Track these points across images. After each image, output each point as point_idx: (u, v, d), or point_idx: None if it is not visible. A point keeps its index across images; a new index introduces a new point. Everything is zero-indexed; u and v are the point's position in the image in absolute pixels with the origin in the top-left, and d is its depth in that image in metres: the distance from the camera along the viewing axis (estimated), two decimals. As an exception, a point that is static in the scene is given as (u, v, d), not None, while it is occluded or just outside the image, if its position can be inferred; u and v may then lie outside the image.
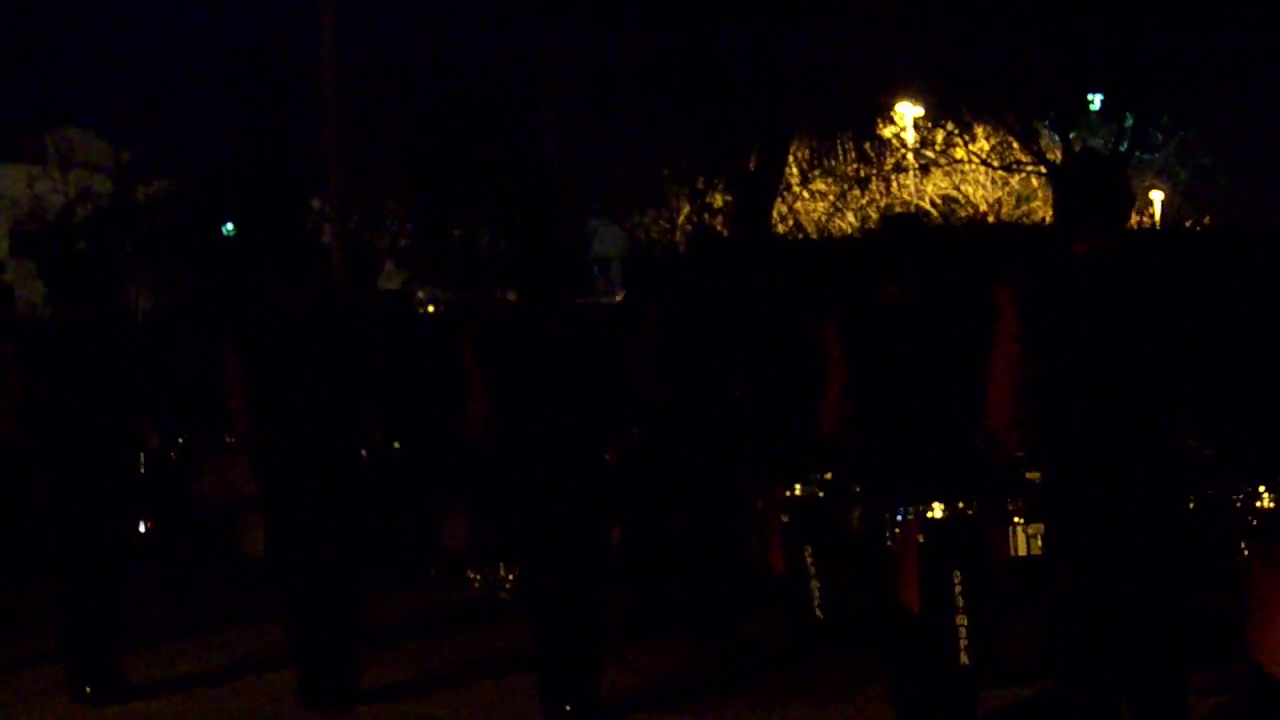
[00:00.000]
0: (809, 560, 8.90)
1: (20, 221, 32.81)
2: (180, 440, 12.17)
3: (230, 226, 28.55)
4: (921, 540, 7.28)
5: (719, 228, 24.28)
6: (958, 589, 7.28)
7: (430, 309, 24.14)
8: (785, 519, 9.10)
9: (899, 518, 7.33)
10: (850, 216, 27.96)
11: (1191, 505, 7.06)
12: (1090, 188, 6.26)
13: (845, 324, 7.51)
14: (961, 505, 7.34)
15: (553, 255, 8.21)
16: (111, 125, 31.13)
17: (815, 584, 8.88)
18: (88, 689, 8.76)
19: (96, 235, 28.55)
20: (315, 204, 26.05)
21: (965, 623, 7.31)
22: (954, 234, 19.59)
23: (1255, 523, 7.31)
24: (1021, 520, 8.00)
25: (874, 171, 27.83)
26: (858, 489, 8.23)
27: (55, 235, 29.90)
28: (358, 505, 8.63)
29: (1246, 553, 7.02)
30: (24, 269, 36.71)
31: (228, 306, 19.87)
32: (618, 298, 10.26)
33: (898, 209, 27.43)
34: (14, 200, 30.69)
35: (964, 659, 7.32)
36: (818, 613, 8.92)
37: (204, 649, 10.09)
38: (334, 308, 8.73)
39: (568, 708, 7.93)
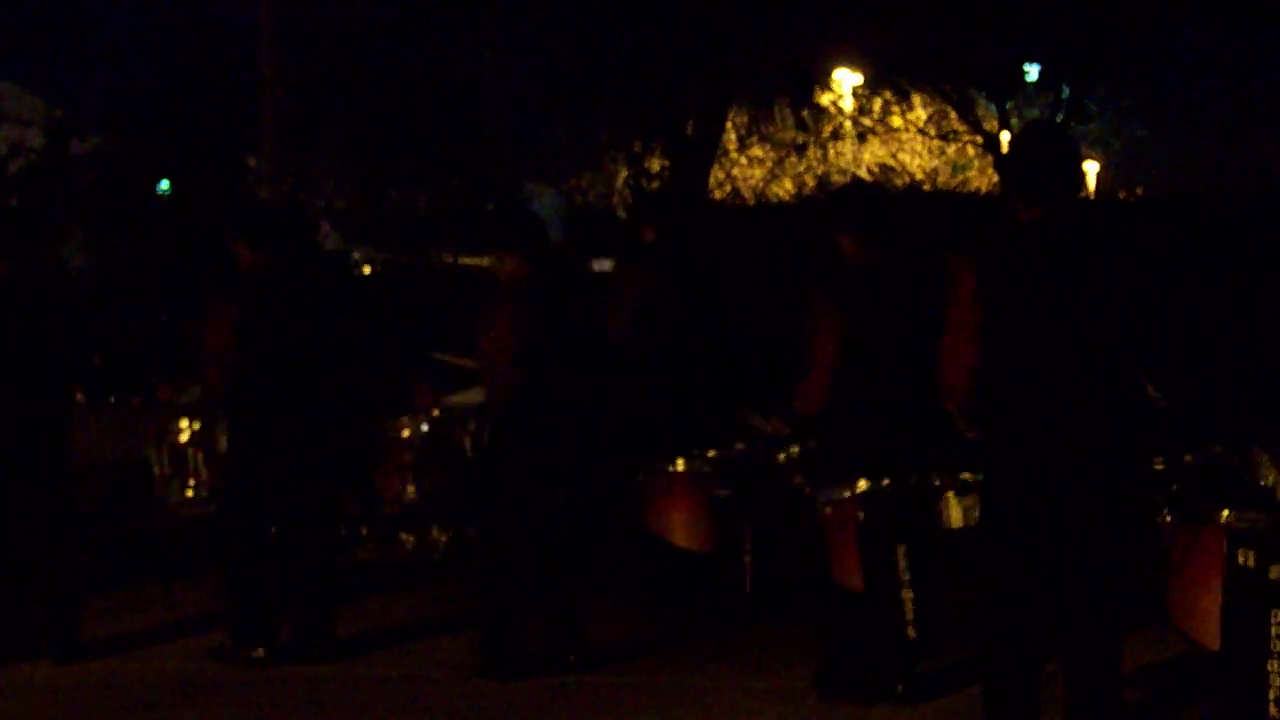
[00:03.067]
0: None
1: (-49, 176, 32.44)
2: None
3: (165, 184, 28.31)
4: (862, 516, 7.33)
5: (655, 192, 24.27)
6: (903, 564, 7.32)
7: (367, 270, 24.05)
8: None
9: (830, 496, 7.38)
10: (787, 183, 27.99)
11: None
12: (1040, 158, 6.31)
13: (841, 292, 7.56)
14: (908, 479, 7.38)
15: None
16: (44, 80, 30.87)
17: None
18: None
19: (28, 191, 28.28)
20: (251, 163, 25.86)
21: (911, 597, 7.35)
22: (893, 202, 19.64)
23: (1177, 489, 7.40)
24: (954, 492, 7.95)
25: (811, 139, 27.87)
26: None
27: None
28: (324, 463, 8.71)
29: (1169, 519, 7.08)
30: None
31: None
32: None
33: (834, 177, 27.49)
34: (-55, 154, 30.27)
35: (910, 633, 7.37)
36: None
37: (154, 606, 10.12)
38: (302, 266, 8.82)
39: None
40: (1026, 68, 26.51)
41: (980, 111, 26.75)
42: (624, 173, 26.70)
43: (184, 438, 9.21)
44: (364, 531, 11.62)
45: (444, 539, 11.06)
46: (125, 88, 28.18)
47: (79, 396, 10.89)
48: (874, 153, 29.16)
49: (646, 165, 25.59)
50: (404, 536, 11.28)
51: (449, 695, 8.13)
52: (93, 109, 28.54)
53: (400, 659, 8.89)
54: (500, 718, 7.77)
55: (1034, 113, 26.17)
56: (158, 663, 8.91)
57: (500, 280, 8.43)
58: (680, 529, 9.19)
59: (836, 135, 28.37)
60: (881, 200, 7.95)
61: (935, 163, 29.76)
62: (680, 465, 8.95)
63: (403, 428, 8.25)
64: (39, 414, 8.83)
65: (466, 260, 25.65)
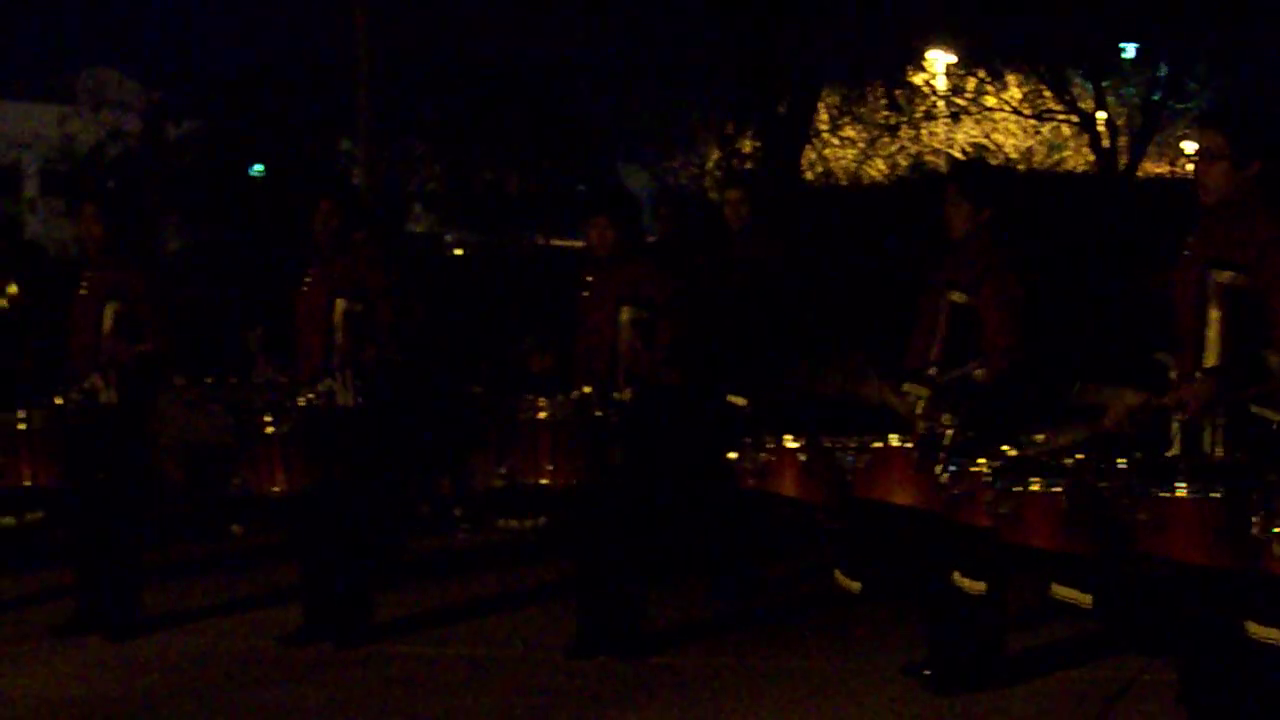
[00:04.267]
0: None
1: (51, 161, 32.77)
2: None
3: (259, 167, 28.49)
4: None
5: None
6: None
7: (458, 252, 24.14)
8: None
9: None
10: (880, 164, 27.83)
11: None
12: None
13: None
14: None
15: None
16: (142, 65, 31.08)
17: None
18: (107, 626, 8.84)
19: (126, 174, 28.52)
20: (344, 146, 25.99)
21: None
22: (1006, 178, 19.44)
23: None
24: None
25: (904, 119, 27.69)
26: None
27: (85, 174, 29.92)
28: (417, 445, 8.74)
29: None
30: (53, 207, 36.79)
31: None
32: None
33: (927, 157, 27.32)
34: (45, 139, 30.62)
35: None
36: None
37: (222, 585, 10.18)
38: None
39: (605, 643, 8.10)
40: (1124, 46, 26.20)
41: (1076, 90, 26.48)
42: (716, 154, 26.63)
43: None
44: (458, 512, 11.64)
45: (539, 520, 11.05)
46: (221, 72, 28.32)
47: (178, 379, 11.00)
48: (967, 133, 28.94)
49: (738, 146, 25.50)
50: (501, 522, 11.29)
51: (540, 675, 8.11)
52: (189, 94, 28.62)
53: (492, 638, 8.88)
54: (593, 698, 7.73)
55: (1131, 91, 25.89)
56: (247, 640, 8.95)
57: (590, 250, 8.43)
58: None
59: (929, 115, 28.17)
60: (996, 174, 7.88)
61: (1030, 142, 29.50)
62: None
63: (540, 409, 8.15)
64: (125, 394, 8.89)
65: (558, 242, 25.71)
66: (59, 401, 8.96)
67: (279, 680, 8.15)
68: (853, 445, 7.67)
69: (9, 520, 9.56)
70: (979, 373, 7.31)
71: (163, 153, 28.93)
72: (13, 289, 10.75)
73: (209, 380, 11.89)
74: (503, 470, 8.42)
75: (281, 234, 21.95)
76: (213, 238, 26.98)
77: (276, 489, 8.57)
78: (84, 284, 9.04)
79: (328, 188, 9.09)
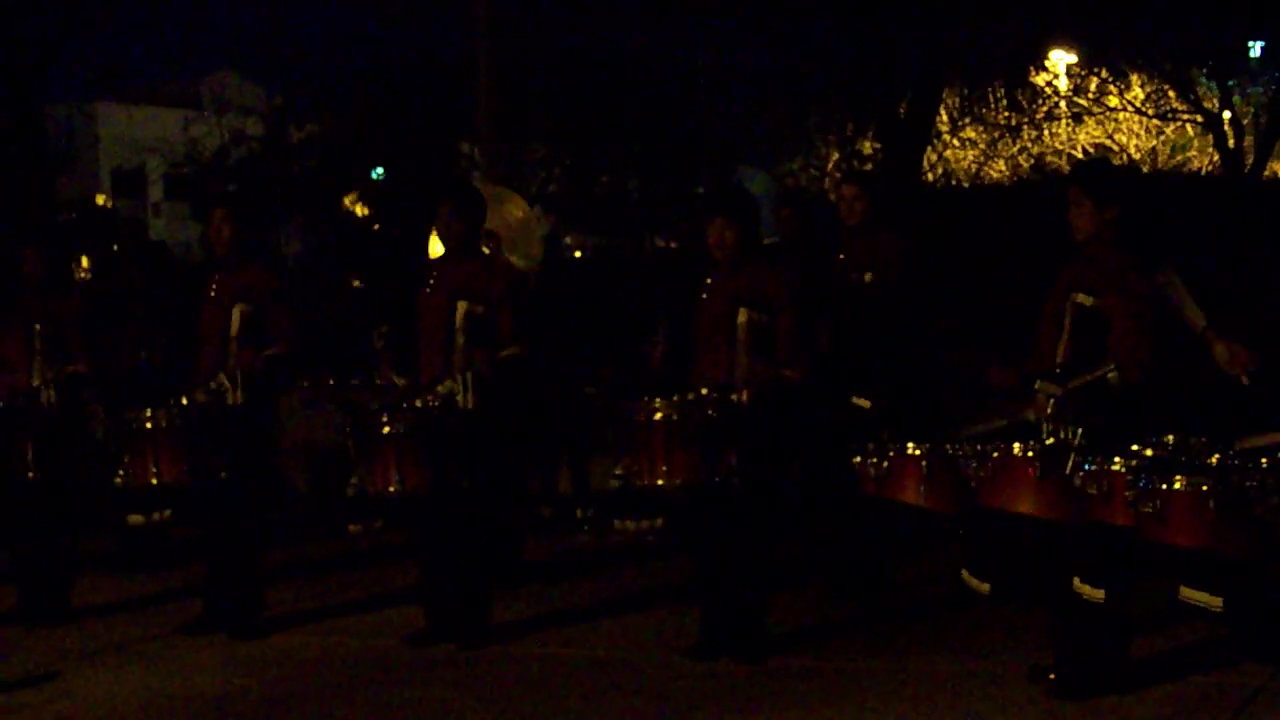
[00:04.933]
0: None
1: (175, 165, 33.20)
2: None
3: (380, 170, 28.70)
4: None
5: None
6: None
7: (577, 254, 24.22)
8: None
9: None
10: (1001, 165, 27.62)
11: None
12: None
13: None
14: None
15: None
16: (264, 69, 31.40)
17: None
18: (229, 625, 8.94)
19: (248, 178, 28.82)
20: (464, 148, 26.13)
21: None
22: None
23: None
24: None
25: (1025, 120, 27.45)
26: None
27: (208, 178, 30.28)
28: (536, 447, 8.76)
29: None
30: (177, 211, 37.30)
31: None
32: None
33: (1049, 158, 27.08)
34: (169, 143, 31.03)
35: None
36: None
37: (342, 585, 10.26)
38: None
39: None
40: (1250, 44, 25.84)
41: (1201, 90, 26.12)
42: (836, 156, 26.53)
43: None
44: (579, 514, 11.67)
45: (656, 522, 11.05)
46: (342, 76, 28.52)
47: (305, 382, 11.10)
48: (1090, 133, 28.66)
49: (858, 147, 25.40)
50: (619, 523, 11.30)
51: (660, 677, 8.11)
52: (310, 97, 28.88)
53: (613, 640, 8.89)
54: (714, 701, 7.73)
55: (1257, 90, 25.53)
56: (368, 640, 9.02)
57: (710, 251, 8.42)
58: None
59: (1051, 116, 27.92)
60: (1119, 174, 7.82)
61: (1153, 143, 29.17)
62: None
63: (656, 410, 8.15)
64: (251, 395, 8.98)
65: (677, 244, 25.72)
66: (186, 401, 9.08)
67: (399, 681, 8.20)
68: (975, 452, 7.62)
69: (137, 518, 9.67)
70: (1112, 375, 7.23)
71: (284, 156, 29.21)
72: (85, 262, 10.92)
73: (331, 382, 12.00)
74: (619, 471, 8.42)
75: (402, 237, 22.11)
76: (334, 240, 27.24)
77: (393, 489, 8.62)
78: (212, 286, 9.15)
79: (448, 190, 9.13)
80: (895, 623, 9.01)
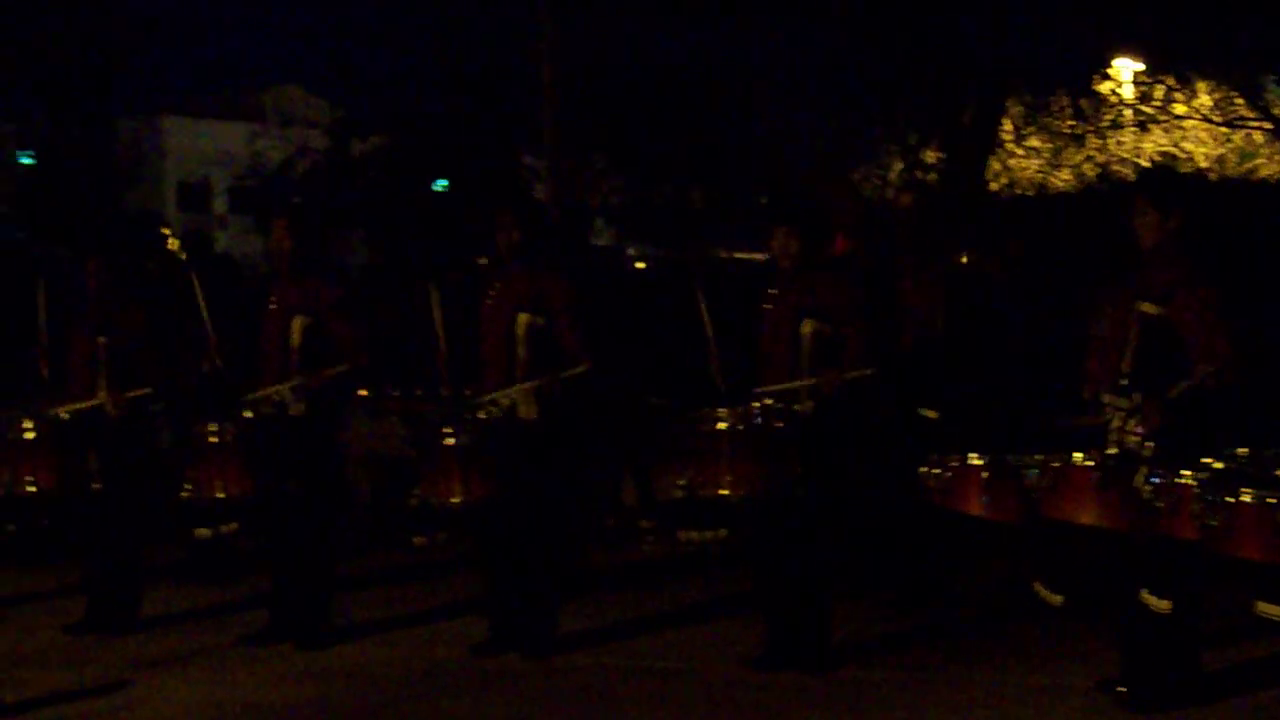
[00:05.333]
0: None
1: (240, 177, 33.40)
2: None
3: (443, 182, 28.78)
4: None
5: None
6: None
7: (640, 265, 24.20)
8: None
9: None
10: (1066, 174, 27.46)
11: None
12: None
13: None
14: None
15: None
16: (328, 82, 31.54)
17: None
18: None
19: (312, 190, 28.96)
20: (527, 160, 26.17)
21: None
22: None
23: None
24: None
25: (1090, 128, 27.29)
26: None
27: (272, 190, 30.45)
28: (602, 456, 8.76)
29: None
30: (242, 223, 37.51)
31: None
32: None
33: (1114, 167, 26.91)
34: (234, 157, 31.24)
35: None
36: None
37: (407, 596, 10.27)
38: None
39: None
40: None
41: (1269, 96, 25.90)
42: (899, 165, 26.44)
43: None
44: (644, 524, 11.65)
45: (720, 533, 11.03)
46: (405, 88, 28.62)
47: (363, 391, 11.12)
48: (1156, 141, 28.44)
49: (922, 157, 25.31)
50: (683, 534, 11.28)
51: (724, 687, 8.10)
52: (373, 110, 29.01)
53: (677, 651, 8.88)
54: (776, 711, 7.71)
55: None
56: (433, 650, 9.03)
57: (775, 260, 8.42)
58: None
59: (1116, 124, 27.72)
60: (1184, 182, 7.77)
61: (1221, 150, 28.94)
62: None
63: (719, 420, 8.15)
64: (314, 406, 9.02)
65: (741, 255, 25.65)
66: (249, 414, 9.12)
67: (461, 691, 8.21)
68: (1036, 463, 7.59)
69: (204, 532, 9.73)
70: (1208, 379, 7.12)
71: (348, 168, 29.34)
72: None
73: (395, 394, 12.02)
74: (683, 482, 8.42)
75: (466, 248, 22.15)
76: (397, 252, 27.31)
77: (456, 500, 8.63)
78: (274, 298, 9.18)
79: (508, 201, 9.16)
80: (960, 634, 8.97)
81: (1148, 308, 7.40)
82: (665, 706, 7.87)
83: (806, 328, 8.25)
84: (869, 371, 8.19)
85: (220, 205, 41.19)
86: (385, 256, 26.92)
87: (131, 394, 9.41)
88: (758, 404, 8.14)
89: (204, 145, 36.80)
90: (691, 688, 8.17)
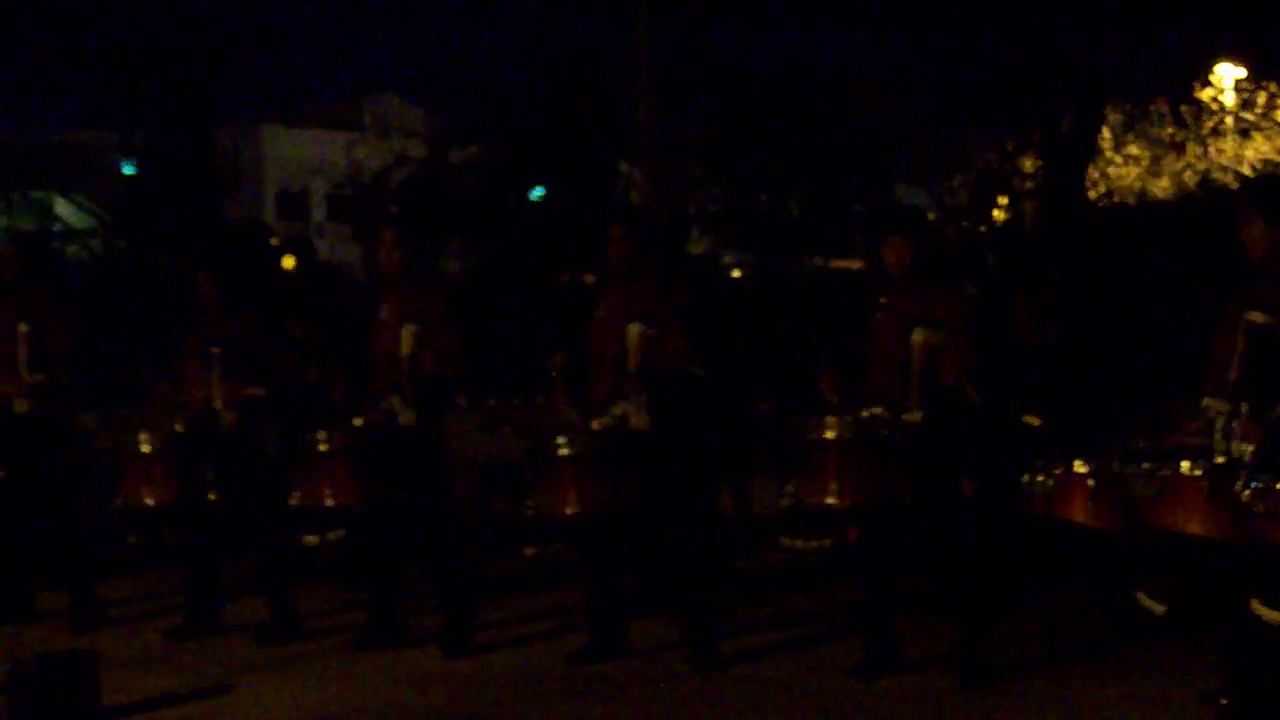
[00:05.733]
0: None
1: (338, 186, 33.69)
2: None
3: (540, 191, 28.92)
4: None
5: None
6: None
7: (736, 274, 24.22)
8: None
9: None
10: (1165, 182, 27.28)
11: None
12: None
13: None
14: None
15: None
16: (426, 92, 31.78)
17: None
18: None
19: (410, 199, 29.17)
20: (624, 168, 26.26)
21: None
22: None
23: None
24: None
25: (1190, 136, 27.10)
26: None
27: (370, 199, 30.69)
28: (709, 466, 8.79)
29: None
30: (340, 232, 37.82)
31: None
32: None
33: (1215, 175, 26.70)
34: (332, 165, 31.51)
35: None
36: None
37: (514, 604, 10.34)
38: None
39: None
40: None
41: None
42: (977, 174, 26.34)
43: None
44: (749, 534, 11.65)
45: (825, 542, 11.02)
46: (502, 97, 28.79)
47: (460, 399, 11.20)
48: (1258, 149, 28.21)
49: (1019, 165, 25.21)
50: (786, 541, 11.28)
51: (821, 695, 8.13)
52: (471, 119, 29.18)
53: (776, 658, 8.91)
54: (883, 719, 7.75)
55: None
56: (537, 658, 9.10)
57: (885, 269, 8.42)
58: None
59: (1217, 132, 27.54)
60: None
61: (1323, 157, 28.67)
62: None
63: (827, 428, 8.17)
64: (422, 415, 9.11)
65: (838, 263, 25.66)
66: (358, 422, 9.23)
67: (561, 699, 8.28)
68: (1142, 471, 7.55)
69: (313, 539, 9.84)
70: None
71: (445, 177, 29.53)
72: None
73: (492, 404, 12.09)
74: (789, 490, 8.44)
75: (564, 257, 22.26)
76: (494, 261, 27.46)
77: (569, 511, 8.70)
78: (382, 307, 9.27)
79: (620, 213, 9.26)
80: (1059, 643, 8.94)
81: (1255, 317, 7.36)
82: (761, 713, 7.91)
83: (917, 337, 8.25)
84: (979, 380, 8.17)
85: (318, 214, 41.56)
86: (482, 265, 27.08)
87: (246, 393, 9.55)
88: (866, 413, 8.15)
89: (303, 154, 37.10)
90: (788, 695, 8.20)
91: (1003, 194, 22.60)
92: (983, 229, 22.17)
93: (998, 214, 22.20)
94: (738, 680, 8.52)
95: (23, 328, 10.01)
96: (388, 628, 9.32)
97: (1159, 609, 7.69)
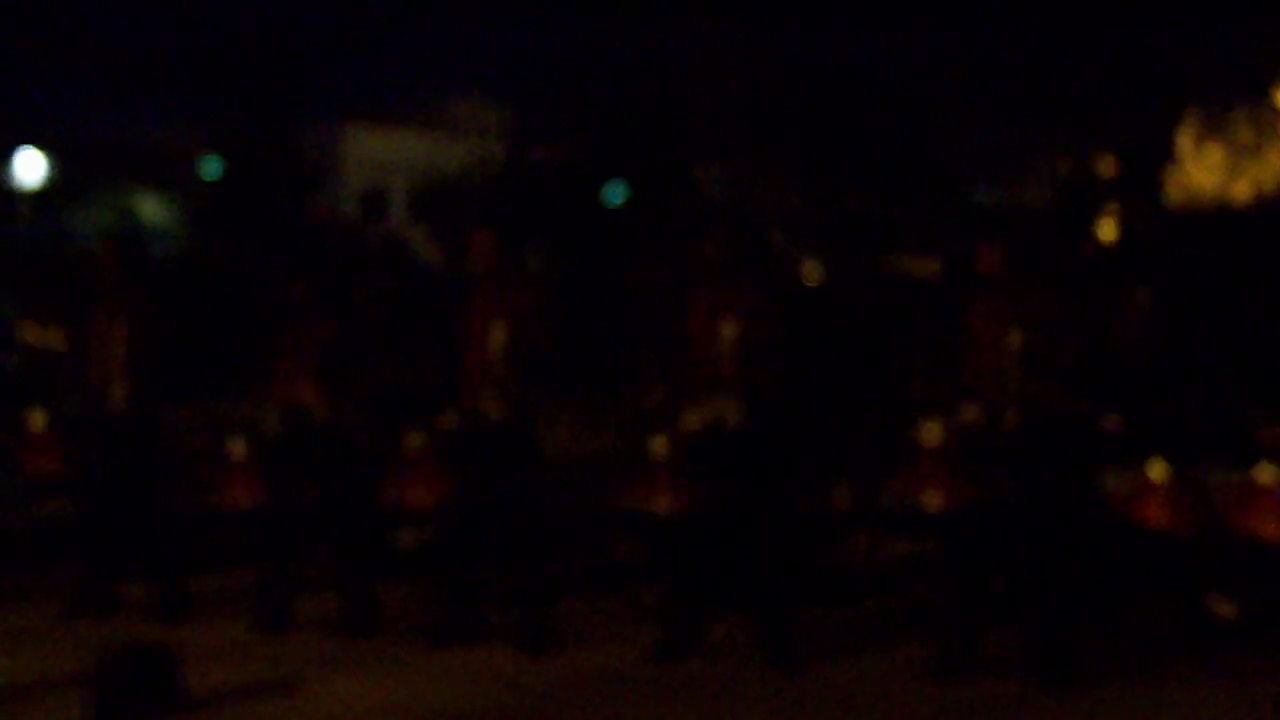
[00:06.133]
0: None
1: (418, 185, 33.87)
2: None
3: (619, 190, 29.01)
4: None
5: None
6: None
7: (817, 276, 24.24)
8: None
9: None
10: (1244, 186, 27.12)
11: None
12: None
13: None
14: None
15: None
16: (507, 92, 31.96)
17: None
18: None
19: (489, 198, 29.31)
20: (703, 169, 26.31)
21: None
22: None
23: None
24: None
25: (1270, 139, 26.92)
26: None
27: (450, 199, 30.86)
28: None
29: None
30: (421, 231, 38.08)
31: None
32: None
33: (1295, 178, 26.52)
34: (413, 165, 31.70)
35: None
36: None
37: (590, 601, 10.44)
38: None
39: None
40: None
41: None
42: (1068, 175, 26.24)
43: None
44: (823, 535, 11.68)
45: (925, 545, 11.05)
46: (584, 97, 28.89)
47: (571, 397, 11.27)
48: (1339, 153, 28.04)
49: (1095, 169, 25.12)
50: (891, 545, 11.30)
51: (907, 699, 8.21)
52: (552, 118, 29.29)
53: (861, 661, 8.98)
54: (961, 720, 7.82)
55: None
56: (608, 657, 9.16)
57: (977, 270, 8.48)
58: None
59: (1297, 135, 27.36)
60: None
61: (1406, 161, 28.42)
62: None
63: (926, 431, 8.22)
64: (512, 412, 9.26)
65: (916, 264, 25.60)
66: (449, 420, 9.37)
67: (637, 697, 8.35)
68: (1221, 475, 7.60)
69: (403, 536, 9.92)
70: None
71: (525, 176, 29.66)
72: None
73: (583, 401, 12.14)
74: (890, 493, 8.49)
75: (641, 256, 22.35)
76: (573, 260, 27.56)
77: (659, 510, 8.79)
78: (475, 305, 9.40)
79: (718, 213, 9.34)
80: (1136, 647, 8.97)
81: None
82: (847, 715, 7.98)
83: (1014, 338, 8.30)
84: (1075, 383, 8.18)
85: (399, 213, 41.83)
86: (561, 264, 27.19)
87: (338, 402, 9.72)
88: (964, 415, 8.19)
89: (385, 154, 37.31)
90: (873, 698, 8.26)
91: (1087, 196, 22.53)
92: (1072, 232, 22.10)
93: (1086, 217, 22.13)
94: (814, 680, 8.57)
95: (121, 327, 10.20)
96: (467, 624, 9.42)
97: (1231, 612, 7.75)
